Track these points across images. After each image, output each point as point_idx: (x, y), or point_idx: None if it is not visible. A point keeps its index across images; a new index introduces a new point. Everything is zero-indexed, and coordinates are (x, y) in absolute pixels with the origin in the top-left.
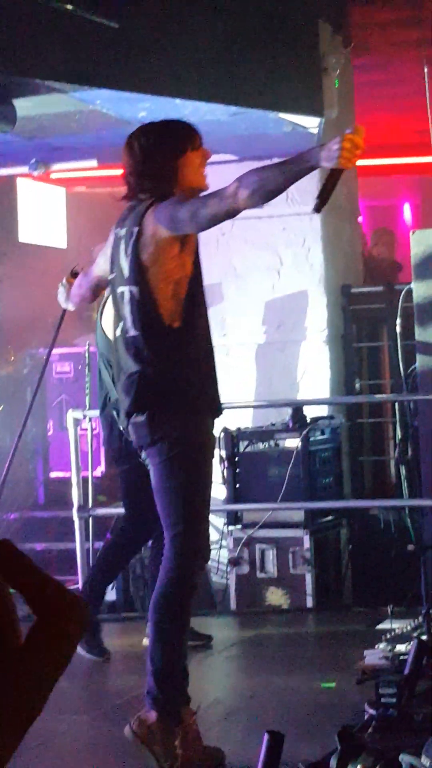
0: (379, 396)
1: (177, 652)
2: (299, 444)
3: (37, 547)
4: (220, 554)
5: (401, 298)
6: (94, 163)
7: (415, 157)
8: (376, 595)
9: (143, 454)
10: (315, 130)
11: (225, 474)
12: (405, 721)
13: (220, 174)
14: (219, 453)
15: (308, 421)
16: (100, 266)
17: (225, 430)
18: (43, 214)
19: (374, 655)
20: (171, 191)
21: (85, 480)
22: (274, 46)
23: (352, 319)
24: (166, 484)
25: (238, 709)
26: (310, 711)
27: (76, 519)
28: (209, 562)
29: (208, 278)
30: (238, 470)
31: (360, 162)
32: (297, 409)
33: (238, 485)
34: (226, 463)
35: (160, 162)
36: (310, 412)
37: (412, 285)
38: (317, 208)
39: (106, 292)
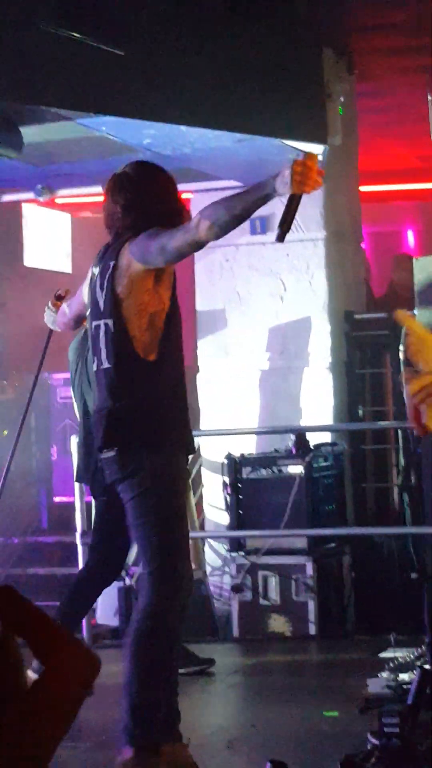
0: (382, 423)
1: (152, 687)
2: (302, 470)
3: (40, 571)
4: (222, 581)
5: None
6: (99, 188)
7: (418, 183)
8: (379, 623)
9: (118, 489)
10: (319, 157)
11: (228, 500)
12: (408, 751)
13: None
14: (222, 479)
15: (311, 447)
16: (83, 298)
17: (228, 456)
18: (49, 239)
19: (377, 684)
20: (150, 227)
21: (88, 505)
22: (279, 73)
23: (356, 345)
24: (139, 521)
25: (241, 738)
26: (313, 740)
27: (79, 544)
28: (212, 588)
29: (212, 304)
30: (240, 496)
31: (363, 188)
32: (300, 435)
33: (240, 512)
34: (229, 489)
35: (143, 202)
36: (313, 439)
37: (416, 311)
38: (280, 237)
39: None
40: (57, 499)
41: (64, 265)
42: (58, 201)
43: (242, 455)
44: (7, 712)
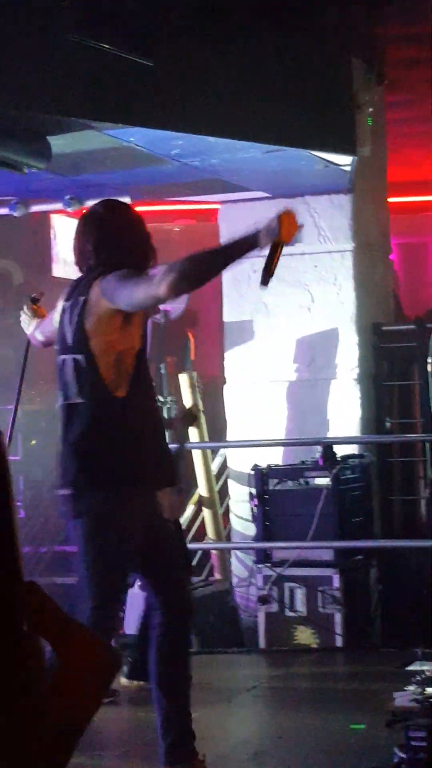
0: (409, 435)
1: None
2: (329, 482)
3: (67, 581)
4: (249, 592)
5: None
6: (127, 199)
7: None
8: (406, 636)
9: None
10: (348, 168)
11: (254, 511)
12: None
13: (253, 211)
14: (249, 490)
15: (338, 459)
16: (54, 326)
17: (255, 468)
18: None
19: (404, 697)
20: (123, 265)
21: None
22: (307, 84)
23: (383, 357)
24: (82, 560)
25: (267, 750)
26: (340, 753)
27: None
28: (238, 600)
29: (240, 315)
30: (267, 508)
31: (392, 199)
32: (327, 447)
33: (267, 523)
34: (255, 500)
35: (117, 238)
36: (340, 451)
37: None
38: (264, 282)
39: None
40: None
41: None
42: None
43: (269, 466)
44: (21, 708)
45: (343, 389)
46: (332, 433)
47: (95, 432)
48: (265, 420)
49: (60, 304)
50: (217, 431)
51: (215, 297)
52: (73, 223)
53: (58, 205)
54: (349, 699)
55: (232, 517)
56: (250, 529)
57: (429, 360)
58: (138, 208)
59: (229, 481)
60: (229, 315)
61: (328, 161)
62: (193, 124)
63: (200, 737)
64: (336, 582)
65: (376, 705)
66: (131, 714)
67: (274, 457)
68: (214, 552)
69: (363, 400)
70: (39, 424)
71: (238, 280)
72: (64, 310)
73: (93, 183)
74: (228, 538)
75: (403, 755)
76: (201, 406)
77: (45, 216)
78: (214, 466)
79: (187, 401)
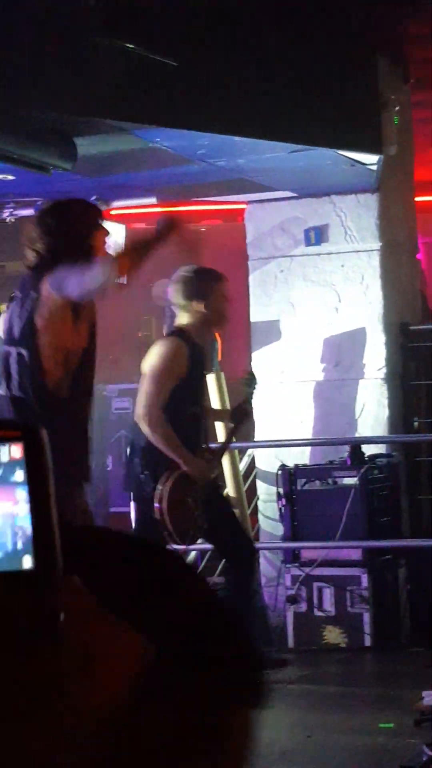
0: None
1: None
2: (357, 482)
3: None
4: (277, 592)
5: None
6: (153, 200)
7: None
8: None
9: None
10: (374, 167)
11: (282, 511)
12: None
13: (279, 211)
14: (276, 490)
15: (366, 458)
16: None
17: (282, 467)
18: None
19: None
20: (76, 262)
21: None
22: (333, 83)
23: (411, 356)
24: None
25: (296, 749)
26: (368, 752)
27: None
28: (267, 599)
29: (267, 315)
30: (295, 508)
31: (419, 198)
32: (355, 446)
33: (295, 523)
34: (283, 500)
35: (71, 238)
36: (367, 450)
37: None
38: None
39: None
40: (113, 509)
41: (119, 276)
42: (113, 212)
43: (296, 466)
44: (55, 703)
45: (370, 389)
46: (360, 432)
47: None
48: (293, 420)
49: (10, 297)
50: (244, 431)
51: (242, 297)
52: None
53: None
54: (377, 698)
55: (260, 516)
56: (278, 529)
57: None
58: (164, 209)
59: (257, 481)
60: (256, 315)
61: (354, 160)
62: (219, 124)
63: None
64: (364, 581)
65: (405, 704)
66: None
67: (302, 456)
68: None
69: (390, 400)
70: None
71: (264, 281)
72: (13, 300)
73: (119, 184)
74: (256, 538)
75: None
76: (228, 406)
77: None
78: (242, 466)
79: (215, 402)
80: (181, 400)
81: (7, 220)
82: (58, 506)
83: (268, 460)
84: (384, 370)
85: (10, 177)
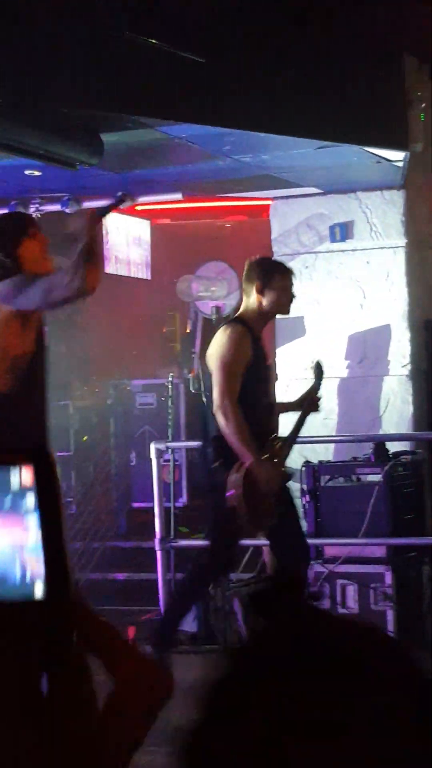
0: None
1: None
2: (381, 479)
3: (119, 576)
4: None
5: None
6: (179, 196)
7: None
8: None
9: None
10: (400, 163)
11: (306, 508)
12: None
13: (305, 207)
14: (300, 486)
15: (390, 455)
16: None
17: (306, 464)
18: (129, 245)
19: None
20: (13, 274)
21: (167, 511)
22: (360, 80)
23: None
24: None
25: None
26: None
27: (158, 550)
28: None
29: (292, 311)
30: (319, 504)
31: None
32: (379, 443)
33: (319, 519)
34: (307, 496)
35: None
36: (392, 447)
37: None
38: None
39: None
40: (136, 504)
41: (144, 272)
42: (138, 208)
43: (320, 463)
44: (74, 726)
45: (394, 385)
46: (384, 429)
47: None
48: (317, 416)
49: None
50: None
51: None
52: (124, 220)
53: (111, 202)
54: None
55: None
56: (302, 526)
57: None
58: (189, 205)
59: None
60: None
61: (380, 157)
62: (245, 120)
63: None
64: (388, 579)
65: None
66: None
67: (326, 453)
68: (266, 548)
69: (415, 397)
70: (91, 420)
71: None
72: None
73: (145, 179)
74: None
75: None
76: None
77: None
78: None
79: None
80: (252, 393)
81: (34, 215)
82: None
83: (292, 457)
84: (409, 367)
85: (37, 173)
